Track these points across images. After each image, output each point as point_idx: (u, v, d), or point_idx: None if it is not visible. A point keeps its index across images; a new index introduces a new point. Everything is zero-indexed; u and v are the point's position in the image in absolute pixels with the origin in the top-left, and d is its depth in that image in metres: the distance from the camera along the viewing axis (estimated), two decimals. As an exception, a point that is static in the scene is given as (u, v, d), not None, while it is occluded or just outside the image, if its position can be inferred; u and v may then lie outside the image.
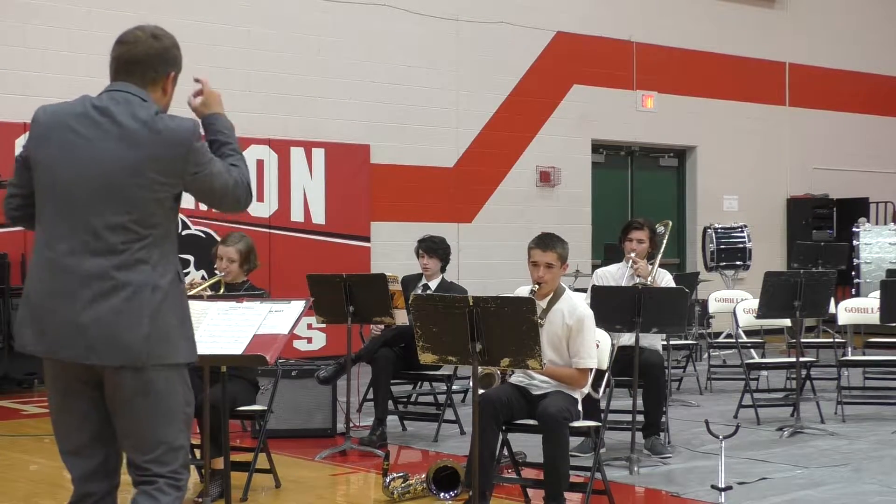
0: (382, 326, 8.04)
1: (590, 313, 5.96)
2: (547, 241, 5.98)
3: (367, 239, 12.96)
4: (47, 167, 3.45)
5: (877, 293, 9.44)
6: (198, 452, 6.07)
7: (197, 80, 3.75)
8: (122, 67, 3.54)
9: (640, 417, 7.12)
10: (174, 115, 3.54)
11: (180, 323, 3.47)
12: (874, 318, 9.32)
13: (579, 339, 5.83)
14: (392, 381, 8.10)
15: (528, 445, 6.48)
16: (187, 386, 3.56)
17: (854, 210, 16.78)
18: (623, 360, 6.98)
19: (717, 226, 14.42)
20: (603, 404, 6.48)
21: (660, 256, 7.80)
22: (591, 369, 5.89)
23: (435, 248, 8.45)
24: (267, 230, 12.13)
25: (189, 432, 3.63)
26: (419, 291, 8.01)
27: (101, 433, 3.53)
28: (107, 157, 3.40)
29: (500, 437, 5.78)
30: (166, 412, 3.47)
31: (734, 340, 9.63)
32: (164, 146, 3.41)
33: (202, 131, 3.60)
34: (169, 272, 3.46)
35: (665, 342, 8.20)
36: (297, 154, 12.48)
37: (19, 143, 10.96)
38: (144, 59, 3.54)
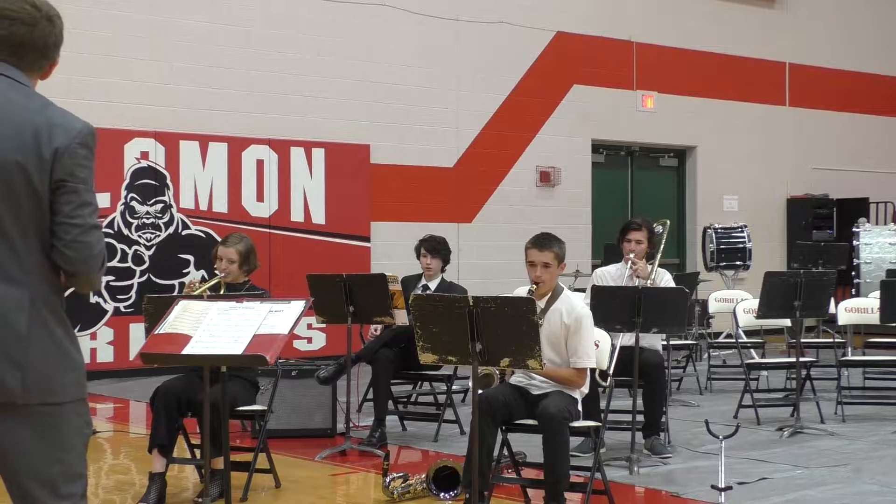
0: (382, 326, 8.04)
1: (588, 313, 5.96)
2: (543, 241, 5.98)
3: (367, 239, 12.97)
4: None
5: (877, 293, 9.44)
6: (198, 452, 6.07)
7: None
8: (10, 50, 3.00)
9: (640, 417, 7.12)
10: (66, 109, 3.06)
11: None
12: (874, 318, 9.32)
13: (577, 338, 5.82)
14: (392, 381, 8.10)
15: (528, 445, 6.48)
16: None
17: (854, 210, 16.79)
18: (623, 360, 6.97)
19: (717, 226, 14.42)
20: (603, 404, 6.48)
21: (659, 256, 7.80)
22: (589, 369, 5.89)
23: (437, 248, 8.46)
24: (267, 230, 12.13)
25: None
26: (419, 291, 8.00)
27: None
28: None
29: (500, 437, 5.78)
30: None
31: (734, 340, 9.63)
32: (50, 137, 2.92)
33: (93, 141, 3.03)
34: None
35: (665, 342, 8.20)
36: (297, 154, 12.48)
37: None
38: (42, 48, 3.07)
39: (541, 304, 5.86)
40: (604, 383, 6.18)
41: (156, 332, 4.48)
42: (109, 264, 11.56)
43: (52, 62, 3.13)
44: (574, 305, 5.95)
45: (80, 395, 3.00)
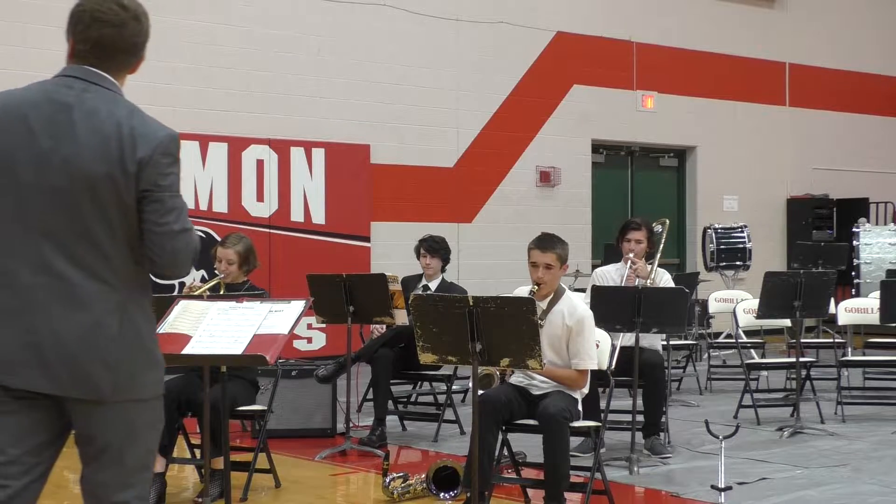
0: (383, 326, 8.04)
1: (590, 314, 5.96)
2: (546, 242, 5.97)
3: (367, 239, 12.96)
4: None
5: (877, 293, 9.44)
6: (198, 452, 6.07)
7: None
8: (99, 52, 3.09)
9: (640, 417, 7.12)
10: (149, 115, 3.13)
11: None
12: (874, 318, 9.32)
13: (579, 339, 5.82)
14: (392, 381, 8.10)
15: (528, 445, 6.48)
16: None
17: (854, 210, 16.78)
18: (623, 360, 6.97)
19: (717, 226, 14.42)
20: (603, 404, 6.48)
21: (658, 256, 7.80)
22: (590, 370, 5.89)
23: (437, 248, 8.46)
24: (267, 230, 12.13)
25: None
26: (419, 291, 8.00)
27: None
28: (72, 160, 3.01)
29: (500, 437, 5.78)
30: None
31: (734, 340, 9.63)
32: (135, 146, 3.01)
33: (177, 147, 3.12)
34: None
35: (665, 342, 8.20)
36: (297, 154, 12.48)
37: None
38: (131, 48, 3.14)
39: (542, 305, 5.86)
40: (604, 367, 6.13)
41: (156, 332, 4.48)
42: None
43: (140, 60, 3.20)
44: (576, 307, 5.94)
45: (160, 392, 3.18)
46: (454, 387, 8.31)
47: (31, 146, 3.00)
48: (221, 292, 6.56)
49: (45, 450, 3.11)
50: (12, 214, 3.01)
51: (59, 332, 2.98)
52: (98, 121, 3.00)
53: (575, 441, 6.42)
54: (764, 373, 9.84)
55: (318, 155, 12.60)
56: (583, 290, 8.35)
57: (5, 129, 3.02)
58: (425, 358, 4.90)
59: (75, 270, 3.00)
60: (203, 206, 11.90)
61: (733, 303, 10.23)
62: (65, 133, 2.99)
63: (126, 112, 3.05)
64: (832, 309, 9.04)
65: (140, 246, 3.07)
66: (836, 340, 9.82)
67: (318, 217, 12.56)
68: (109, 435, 3.07)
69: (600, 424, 6.11)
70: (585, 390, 5.92)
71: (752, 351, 10.46)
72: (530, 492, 6.02)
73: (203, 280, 9.69)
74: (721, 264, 14.14)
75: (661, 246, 7.92)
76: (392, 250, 12.76)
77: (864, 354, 10.43)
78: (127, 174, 2.98)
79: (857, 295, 14.07)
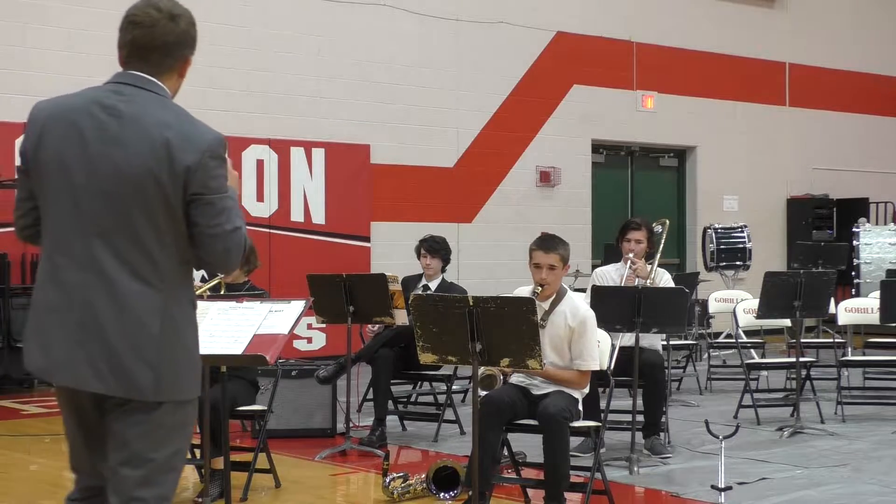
0: (383, 326, 8.04)
1: (592, 315, 5.96)
2: (549, 243, 5.97)
3: (367, 239, 12.96)
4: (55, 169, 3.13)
5: (877, 293, 9.45)
6: (198, 452, 6.07)
7: None
8: (136, 53, 3.19)
9: (640, 417, 7.12)
10: (196, 119, 3.17)
11: None
12: (874, 318, 9.32)
13: (582, 340, 5.83)
14: (392, 381, 8.09)
15: (528, 445, 6.48)
16: None
17: (854, 210, 16.79)
18: (623, 360, 6.98)
19: (717, 226, 14.42)
20: (603, 404, 6.48)
21: (658, 256, 7.79)
22: (592, 370, 5.89)
23: (437, 248, 8.46)
24: (267, 230, 12.13)
25: None
26: (419, 291, 8.00)
27: None
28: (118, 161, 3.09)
29: (501, 437, 5.78)
30: None
31: (734, 340, 9.63)
32: (181, 150, 3.07)
33: (225, 150, 3.18)
34: None
35: (665, 342, 8.20)
36: (297, 154, 12.48)
37: (19, 143, 10.96)
38: (162, 46, 3.20)
39: (545, 305, 5.86)
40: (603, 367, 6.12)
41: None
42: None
43: (180, 61, 3.25)
44: (578, 308, 5.94)
45: (197, 394, 3.25)
46: (454, 387, 8.31)
47: (82, 151, 3.07)
48: (222, 292, 6.55)
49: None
50: (69, 214, 3.09)
51: (104, 330, 3.04)
52: (146, 125, 3.07)
53: (575, 441, 6.42)
54: (764, 373, 9.84)
55: (318, 155, 12.60)
56: (583, 290, 8.35)
57: (57, 135, 3.11)
58: (425, 358, 4.90)
59: (121, 270, 3.05)
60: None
61: (733, 303, 10.23)
62: (113, 138, 3.06)
63: (173, 116, 3.11)
64: (832, 309, 9.04)
65: (186, 247, 3.13)
66: (836, 340, 9.81)
67: (318, 217, 12.57)
68: (141, 434, 3.09)
69: (600, 424, 6.11)
70: (586, 390, 5.92)
71: (752, 351, 10.45)
72: (530, 492, 6.02)
73: (203, 280, 9.68)
74: (721, 264, 14.14)
75: (661, 246, 7.92)
76: (392, 250, 12.77)
77: (864, 354, 10.43)
78: (175, 177, 3.04)
79: (857, 295, 14.07)
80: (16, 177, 3.27)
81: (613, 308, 6.86)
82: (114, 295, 3.04)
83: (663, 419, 7.55)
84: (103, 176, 3.05)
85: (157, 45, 3.18)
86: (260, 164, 12.21)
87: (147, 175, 3.03)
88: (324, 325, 10.24)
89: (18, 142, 12.70)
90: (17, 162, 3.33)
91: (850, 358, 9.80)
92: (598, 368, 5.94)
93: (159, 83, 3.18)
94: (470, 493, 5.04)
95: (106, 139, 3.06)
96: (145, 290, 3.06)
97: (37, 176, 3.15)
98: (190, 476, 6.85)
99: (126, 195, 3.04)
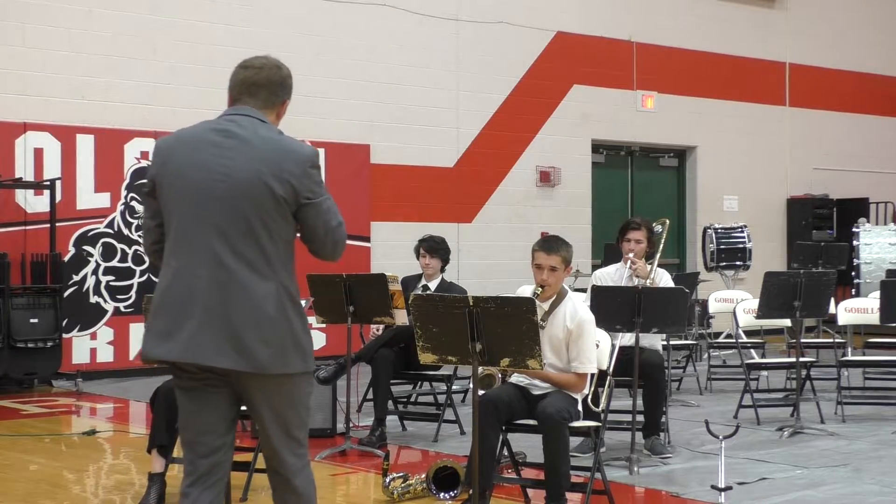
0: (382, 326, 8.04)
1: (591, 318, 5.94)
2: (551, 244, 5.96)
3: (367, 239, 12.97)
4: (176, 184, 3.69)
5: (877, 293, 9.44)
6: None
7: None
8: (247, 90, 3.83)
9: (640, 417, 7.12)
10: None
11: None
12: (874, 318, 9.32)
13: (579, 343, 5.82)
14: (392, 381, 8.09)
15: (528, 445, 6.48)
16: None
17: (854, 210, 16.80)
18: (623, 360, 6.97)
19: (717, 226, 14.43)
20: (603, 404, 6.48)
21: (658, 256, 7.79)
22: (591, 374, 5.88)
23: (436, 248, 8.45)
24: (267, 230, 12.12)
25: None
26: (419, 291, 8.00)
27: None
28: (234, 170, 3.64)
29: (501, 437, 5.78)
30: None
31: (734, 340, 9.63)
32: (287, 162, 3.65)
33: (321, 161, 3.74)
34: None
35: (665, 342, 8.20)
36: (297, 154, 12.47)
37: (19, 143, 10.97)
38: (267, 84, 3.88)
39: (545, 306, 5.86)
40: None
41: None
42: (109, 264, 11.58)
43: (281, 101, 3.96)
44: (577, 309, 5.93)
45: (309, 369, 3.76)
46: (454, 387, 8.30)
47: (201, 164, 3.66)
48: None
49: (233, 426, 3.78)
50: (191, 216, 3.65)
51: (230, 315, 3.57)
52: (255, 142, 3.68)
53: (575, 441, 6.41)
54: (764, 373, 9.84)
55: (319, 155, 12.59)
56: (583, 291, 8.35)
57: (180, 155, 3.71)
58: (425, 358, 4.90)
59: (239, 264, 3.61)
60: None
61: (733, 303, 10.22)
62: (227, 151, 3.66)
63: (277, 136, 3.75)
64: (832, 309, 9.04)
65: (291, 243, 3.70)
66: (836, 340, 9.81)
67: (318, 217, 12.56)
68: (271, 401, 3.67)
69: (600, 424, 6.11)
70: (587, 391, 5.91)
71: (752, 351, 10.46)
72: (530, 492, 6.01)
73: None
74: (721, 264, 14.15)
75: (661, 246, 7.91)
76: (392, 250, 12.77)
77: (864, 354, 10.42)
78: (284, 185, 3.63)
79: (857, 295, 14.07)
80: (135, 199, 3.75)
81: (613, 308, 6.86)
82: (234, 283, 3.59)
83: (663, 419, 7.54)
84: (222, 185, 3.62)
85: (264, 83, 3.89)
86: (260, 164, 12.20)
87: (257, 182, 3.61)
88: (324, 326, 10.23)
89: (19, 142, 12.67)
90: (146, 185, 3.87)
91: (850, 358, 9.79)
92: (595, 371, 5.92)
93: (263, 114, 3.81)
94: (470, 492, 5.03)
95: (220, 153, 3.66)
96: (260, 280, 3.61)
97: (162, 189, 3.70)
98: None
99: (241, 199, 3.61)
